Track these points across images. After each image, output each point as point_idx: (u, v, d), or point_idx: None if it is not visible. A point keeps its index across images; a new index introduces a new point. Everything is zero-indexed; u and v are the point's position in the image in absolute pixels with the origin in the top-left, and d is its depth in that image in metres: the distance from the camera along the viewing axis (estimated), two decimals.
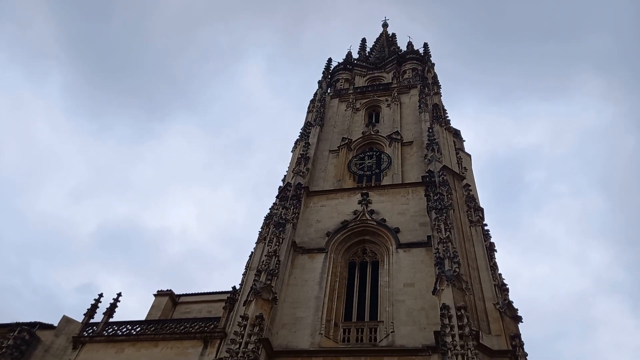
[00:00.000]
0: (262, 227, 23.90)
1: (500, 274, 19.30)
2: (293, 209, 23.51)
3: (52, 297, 76.41)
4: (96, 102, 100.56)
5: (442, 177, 23.13)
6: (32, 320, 19.42)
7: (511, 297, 18.01)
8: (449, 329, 15.29)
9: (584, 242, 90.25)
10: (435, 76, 37.08)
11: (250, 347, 16.63)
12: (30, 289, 78.08)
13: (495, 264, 19.87)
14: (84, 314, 20.72)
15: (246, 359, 16.15)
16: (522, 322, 17.13)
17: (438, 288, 17.12)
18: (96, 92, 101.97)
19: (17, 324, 18.93)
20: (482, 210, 23.08)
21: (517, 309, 17.48)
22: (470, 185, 24.57)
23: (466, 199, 23.26)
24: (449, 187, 22.57)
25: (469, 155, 29.64)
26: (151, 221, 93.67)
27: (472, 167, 28.28)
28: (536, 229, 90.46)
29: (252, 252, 22.61)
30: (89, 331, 20.10)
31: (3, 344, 18.08)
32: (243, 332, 17.11)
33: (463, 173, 25.89)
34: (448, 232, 19.19)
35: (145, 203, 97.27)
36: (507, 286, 18.54)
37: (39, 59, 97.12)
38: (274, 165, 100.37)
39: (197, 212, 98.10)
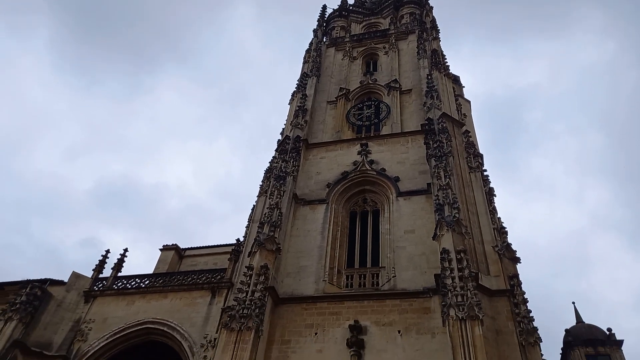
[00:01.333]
0: (262, 181, 24.04)
1: (499, 218, 19.64)
2: (293, 162, 23.56)
3: (55, 254, 78.15)
4: (83, 57, 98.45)
5: (441, 125, 23.00)
6: (42, 277, 19.96)
7: (510, 239, 18.46)
8: (448, 272, 15.73)
9: (582, 181, 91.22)
10: (433, 20, 36.03)
11: (257, 295, 17.19)
12: (33, 246, 79.67)
13: (494, 209, 20.16)
14: (93, 270, 21.25)
15: (253, 307, 16.73)
16: (520, 263, 17.63)
17: (438, 233, 17.46)
18: (83, 47, 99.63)
19: (28, 281, 19.44)
20: (481, 156, 23.14)
21: (515, 251, 17.93)
22: (469, 132, 24.49)
23: (466, 146, 23.25)
24: (448, 134, 22.49)
25: (469, 102, 29.35)
26: (148, 177, 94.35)
27: (472, 113, 28.06)
28: (534, 170, 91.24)
29: (254, 205, 22.87)
30: (99, 285, 20.69)
31: (16, 300, 18.62)
32: (249, 281, 17.63)
33: (462, 120, 25.73)
34: (448, 179, 19.32)
35: (141, 159, 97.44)
36: (506, 229, 18.93)
37: (23, 13, 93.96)
38: (269, 117, 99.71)
39: (194, 167, 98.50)
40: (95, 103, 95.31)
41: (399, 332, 16.39)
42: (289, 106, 29.83)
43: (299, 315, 17.88)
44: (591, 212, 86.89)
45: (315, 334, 17.20)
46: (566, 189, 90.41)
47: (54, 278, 20.32)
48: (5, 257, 75.56)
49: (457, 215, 17.54)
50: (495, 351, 14.78)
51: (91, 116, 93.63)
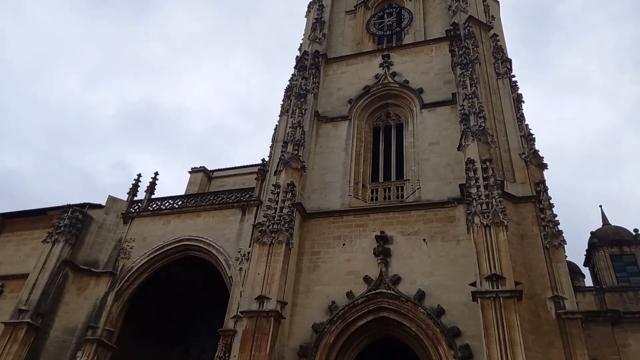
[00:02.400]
0: (283, 100, 23.79)
1: (527, 125, 19.16)
2: (313, 79, 23.07)
3: (88, 178, 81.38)
4: None
5: (467, 29, 21.74)
6: (82, 202, 21.04)
7: (537, 144, 18.19)
8: (473, 181, 15.77)
9: (617, 77, 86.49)
10: None
11: (285, 211, 17.79)
12: (66, 172, 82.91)
13: (522, 115, 19.58)
14: (128, 193, 22.21)
15: (283, 222, 17.40)
16: (547, 169, 17.49)
17: (463, 144, 17.27)
18: None
19: (69, 206, 20.56)
20: (509, 61, 22.05)
21: (542, 157, 17.72)
22: (497, 35, 23.13)
23: (493, 51, 22.12)
24: (475, 39, 21.32)
25: (497, 2, 27.35)
26: (168, 100, 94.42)
27: (500, 14, 26.24)
28: (567, 67, 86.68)
29: (276, 125, 22.86)
30: (135, 208, 21.73)
31: (60, 223, 19.85)
32: (277, 198, 18.18)
33: (490, 22, 24.20)
34: (474, 87, 18.69)
35: (159, 82, 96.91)
36: (533, 136, 18.55)
37: None
38: (284, 28, 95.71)
39: (213, 87, 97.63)
40: (106, 27, 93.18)
41: (424, 240, 16.91)
42: (305, 19, 28.57)
43: (326, 228, 18.56)
44: (627, 109, 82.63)
45: (343, 244, 17.93)
46: (600, 86, 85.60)
47: (92, 202, 21.40)
48: (42, 183, 79.54)
49: (482, 125, 17.20)
50: (520, 254, 15.19)
51: (104, 40, 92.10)
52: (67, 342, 18.06)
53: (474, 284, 13.88)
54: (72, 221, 19.88)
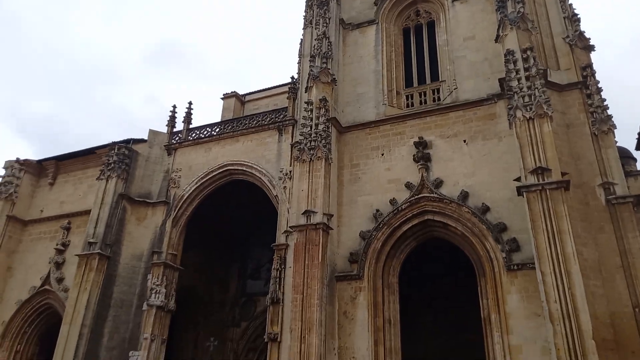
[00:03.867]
0: (305, 10, 22.63)
1: (570, 5, 17.57)
2: None
3: (124, 115, 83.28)
4: None
5: None
6: (125, 138, 21.80)
7: (583, 25, 16.78)
8: (514, 73, 15.03)
9: None
10: None
11: (320, 127, 17.78)
12: (102, 111, 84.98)
13: None
14: (166, 125, 22.72)
15: (319, 138, 17.47)
16: (594, 51, 16.33)
17: (501, 34, 16.23)
18: None
19: (114, 143, 21.37)
20: None
21: (588, 39, 16.48)
22: None
23: None
24: None
25: None
26: (191, 31, 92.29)
27: None
28: None
29: (301, 39, 22.06)
30: (176, 138, 22.33)
31: (109, 160, 20.80)
32: (311, 115, 18.11)
33: None
34: None
35: (179, 14, 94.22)
36: (578, 16, 17.08)
37: None
38: None
39: (229, 14, 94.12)
40: None
41: (464, 141, 16.64)
42: None
43: (363, 140, 18.53)
44: None
45: (382, 154, 17.95)
46: None
47: (135, 137, 22.13)
48: (81, 124, 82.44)
49: (521, 10, 15.96)
50: (566, 144, 14.76)
51: None
52: (137, 267, 19.75)
53: (518, 179, 13.79)
54: (120, 157, 20.79)
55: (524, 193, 13.29)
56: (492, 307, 14.11)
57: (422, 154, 16.95)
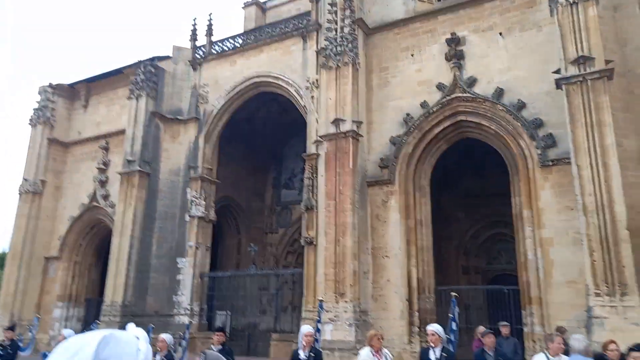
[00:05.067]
0: None
1: None
2: None
3: (143, 33, 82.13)
4: None
5: None
6: (150, 56, 21.60)
7: None
8: None
9: None
10: None
11: (346, 30, 17.02)
12: (120, 31, 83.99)
13: None
14: (189, 39, 22.25)
15: (345, 42, 16.81)
16: None
17: None
18: None
19: (140, 62, 21.28)
20: None
21: None
22: None
23: None
24: None
25: None
26: None
27: None
28: None
29: None
30: (200, 53, 21.96)
31: (137, 79, 20.86)
32: (335, 18, 17.28)
33: None
34: None
35: None
36: None
37: None
38: None
39: None
40: None
41: (500, 34, 15.61)
42: None
43: (392, 41, 17.69)
44: None
45: (412, 55, 17.19)
46: None
47: (159, 55, 21.90)
48: (102, 49, 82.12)
49: None
50: (611, 29, 13.58)
51: None
52: (176, 181, 20.58)
53: (558, 72, 13.02)
54: (147, 75, 20.79)
55: (563, 85, 12.60)
56: (524, 204, 14.11)
57: (455, 52, 16.10)
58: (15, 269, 21.62)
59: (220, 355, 6.56)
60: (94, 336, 0.97)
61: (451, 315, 5.97)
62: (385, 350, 6.43)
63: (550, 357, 5.27)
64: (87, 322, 20.32)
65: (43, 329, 18.03)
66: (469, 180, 21.11)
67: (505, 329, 9.20)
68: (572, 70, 12.51)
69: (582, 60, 12.38)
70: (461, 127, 16.22)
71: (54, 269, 22.25)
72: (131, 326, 1.01)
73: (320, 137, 16.86)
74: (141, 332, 1.02)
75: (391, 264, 15.51)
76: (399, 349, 13.80)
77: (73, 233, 22.45)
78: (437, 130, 16.32)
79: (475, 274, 20.71)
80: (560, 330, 8.67)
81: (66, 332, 8.92)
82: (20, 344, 9.97)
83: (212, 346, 6.98)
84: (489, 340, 6.96)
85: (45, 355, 8.14)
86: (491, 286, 17.72)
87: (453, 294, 6.15)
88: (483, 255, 21.08)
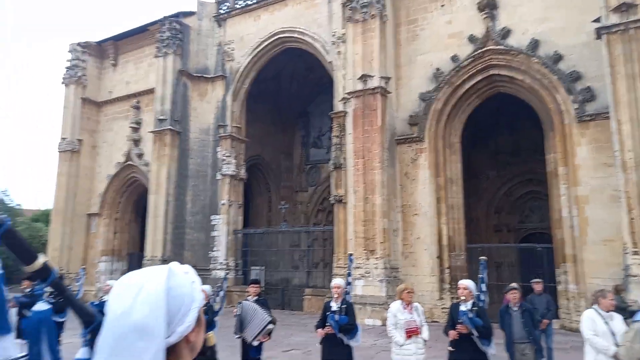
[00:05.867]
0: None
1: None
2: None
3: None
4: None
5: None
6: (174, 12, 21.37)
7: None
8: None
9: None
10: None
11: None
12: None
13: None
14: None
15: None
16: None
17: None
18: None
19: (165, 18, 21.04)
20: None
21: None
22: None
23: None
24: None
25: None
26: None
27: None
28: None
29: None
30: (224, 8, 21.56)
31: (162, 37, 20.74)
32: None
33: None
34: None
35: None
36: None
37: None
38: None
39: None
40: None
41: None
42: None
43: None
44: None
45: (442, 5, 16.50)
46: None
47: (183, 10, 21.65)
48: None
49: None
50: None
51: None
52: (206, 140, 20.93)
53: (597, 20, 12.31)
54: (172, 32, 20.65)
55: (604, 35, 11.94)
56: (559, 160, 13.83)
57: (488, 1, 15.34)
58: (60, 226, 22.79)
59: (256, 305, 6.97)
60: (155, 269, 1.00)
61: (480, 276, 6.10)
62: (416, 304, 6.61)
63: (601, 312, 5.21)
64: None
65: (89, 281, 19.18)
66: (500, 137, 20.69)
67: (537, 286, 9.34)
68: (614, 19, 11.82)
69: (625, 7, 11.65)
70: (493, 81, 15.73)
71: (96, 225, 23.39)
72: (176, 263, 1.05)
73: (347, 94, 16.67)
74: (188, 267, 1.06)
75: (421, 222, 15.66)
76: (430, 305, 14.21)
77: (111, 191, 23.35)
78: (468, 85, 15.89)
79: (507, 232, 20.71)
80: (618, 289, 8.68)
81: (112, 282, 9.54)
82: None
83: (249, 297, 7.23)
84: (513, 296, 7.11)
85: (93, 304, 8.75)
86: (524, 244, 17.74)
87: (482, 257, 6.23)
88: (515, 214, 20.96)
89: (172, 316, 0.94)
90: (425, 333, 6.44)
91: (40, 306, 1.12)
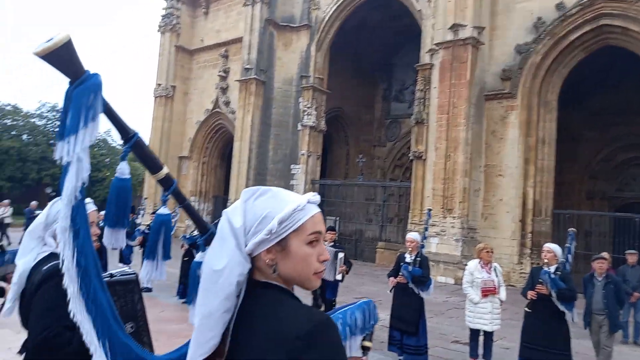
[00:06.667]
0: None
1: None
2: None
3: None
4: None
5: None
6: None
7: None
8: None
9: None
10: None
11: None
12: None
13: None
14: None
15: None
16: None
17: None
18: None
19: None
20: None
21: None
22: None
23: None
24: None
25: None
26: None
27: None
28: None
29: None
30: None
31: None
32: None
33: None
34: None
35: None
36: None
37: None
38: None
39: None
40: None
41: None
42: None
43: None
44: None
45: None
46: None
47: None
48: None
49: None
50: None
51: None
52: (289, 91, 21.23)
53: None
54: None
55: None
56: None
57: None
58: None
59: (332, 249, 7.31)
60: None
61: (567, 246, 5.78)
62: (495, 264, 6.51)
63: None
64: (215, 217, 23.09)
65: (182, 219, 20.86)
66: (603, 95, 18.75)
67: (631, 257, 8.71)
68: None
69: None
70: (603, 32, 14.12)
71: (186, 168, 25.13)
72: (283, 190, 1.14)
73: (436, 44, 15.89)
74: (307, 196, 1.12)
75: (505, 183, 14.97)
76: (508, 269, 13.78)
77: (200, 136, 24.76)
78: (573, 36, 14.42)
79: (600, 200, 19.17)
80: None
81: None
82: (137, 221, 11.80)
83: (325, 243, 7.61)
84: (599, 266, 6.73)
85: (185, 237, 9.65)
86: (621, 214, 16.37)
87: (571, 229, 5.87)
88: (613, 181, 19.24)
89: (247, 229, 1.04)
90: (502, 293, 6.36)
91: (163, 210, 1.28)
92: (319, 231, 1.09)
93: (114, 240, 1.14)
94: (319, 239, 1.09)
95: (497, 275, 6.36)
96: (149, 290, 9.39)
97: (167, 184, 1.28)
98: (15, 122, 36.80)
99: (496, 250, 13.67)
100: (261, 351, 0.97)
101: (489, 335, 6.35)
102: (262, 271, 1.07)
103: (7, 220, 18.27)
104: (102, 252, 9.13)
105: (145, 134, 27.78)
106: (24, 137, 36.14)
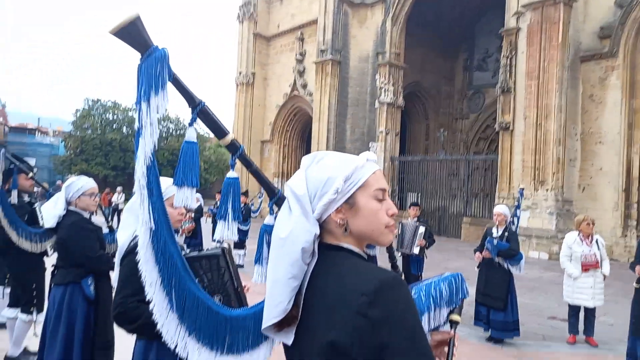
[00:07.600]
0: None
1: None
2: None
3: None
4: None
5: None
6: None
7: None
8: None
9: None
10: None
11: None
12: None
13: None
14: None
15: None
16: None
17: None
18: None
19: None
20: None
21: None
22: None
23: None
24: None
25: None
26: None
27: None
28: None
29: None
30: None
31: None
32: None
33: None
34: None
35: None
36: None
37: None
38: None
39: None
40: None
41: None
42: None
43: None
44: None
45: None
46: None
47: None
48: None
49: None
50: None
51: None
52: (365, 68, 20.98)
53: None
54: None
55: None
56: None
57: None
58: None
59: (414, 222, 7.32)
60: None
61: None
62: (597, 236, 6.08)
63: None
64: None
65: (266, 199, 21.71)
66: None
67: None
68: None
69: None
70: None
71: (268, 151, 26.00)
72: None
73: (523, 6, 14.80)
74: (365, 155, 1.14)
75: (605, 151, 13.69)
76: (610, 242, 12.64)
77: (280, 120, 25.41)
78: None
79: None
80: None
81: None
82: (252, 207, 12.41)
83: (409, 218, 7.71)
84: None
85: (211, 210, 10.12)
86: None
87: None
88: None
89: (312, 194, 1.07)
90: (605, 267, 5.96)
91: (232, 174, 1.35)
92: (382, 188, 1.11)
93: (183, 198, 1.22)
94: (384, 194, 1.11)
95: (599, 249, 5.96)
96: (240, 267, 9.93)
97: (233, 149, 1.34)
98: (115, 117, 40.25)
99: (597, 222, 12.64)
100: (330, 311, 1.00)
101: (590, 312, 5.99)
102: (332, 234, 1.09)
103: (121, 206, 20.13)
104: (197, 232, 9.87)
105: (229, 121, 29.15)
106: (124, 129, 39.44)
